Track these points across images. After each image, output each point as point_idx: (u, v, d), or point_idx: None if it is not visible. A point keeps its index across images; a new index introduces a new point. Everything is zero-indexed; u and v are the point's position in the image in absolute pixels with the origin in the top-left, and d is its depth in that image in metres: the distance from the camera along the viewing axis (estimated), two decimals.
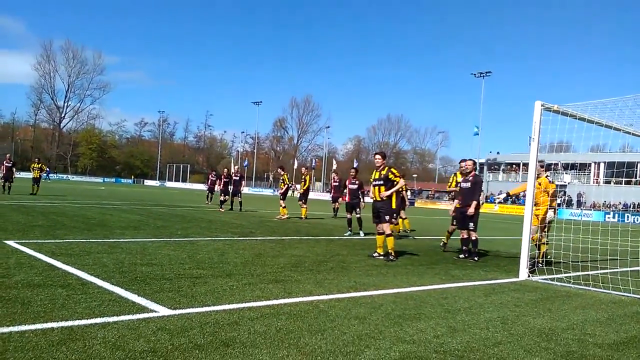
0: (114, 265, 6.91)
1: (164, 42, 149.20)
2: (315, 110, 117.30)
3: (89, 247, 8.53)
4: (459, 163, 11.18)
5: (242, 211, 21.74)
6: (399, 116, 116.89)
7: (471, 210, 10.14)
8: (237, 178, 22.15)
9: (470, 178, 10.55)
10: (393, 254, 9.39)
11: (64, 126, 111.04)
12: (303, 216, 19.96)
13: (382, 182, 9.60)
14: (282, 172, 20.96)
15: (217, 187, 24.81)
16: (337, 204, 22.59)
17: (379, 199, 9.62)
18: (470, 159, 11.00)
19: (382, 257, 9.46)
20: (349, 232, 14.20)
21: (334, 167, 65.16)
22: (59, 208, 17.27)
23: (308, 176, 20.73)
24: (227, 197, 22.22)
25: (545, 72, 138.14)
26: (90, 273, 6.26)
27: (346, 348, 4.03)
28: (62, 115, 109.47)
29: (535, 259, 9.88)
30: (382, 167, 9.69)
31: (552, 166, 64.46)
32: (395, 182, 9.55)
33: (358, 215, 14.34)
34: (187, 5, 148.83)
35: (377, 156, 9.85)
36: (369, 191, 12.44)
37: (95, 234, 10.35)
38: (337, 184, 22.24)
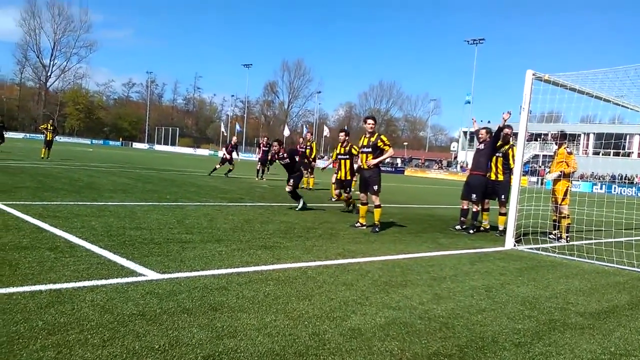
0: (102, 229, 6.89)
1: (153, 1, 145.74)
2: (307, 74, 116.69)
3: (77, 209, 8.49)
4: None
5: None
6: (391, 83, 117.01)
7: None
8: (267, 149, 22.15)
9: (483, 148, 10.04)
10: (379, 225, 9.11)
11: (50, 85, 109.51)
12: (311, 186, 19.18)
13: (370, 149, 9.14)
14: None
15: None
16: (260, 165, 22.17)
17: (365, 167, 9.21)
18: (484, 127, 10.41)
19: (364, 228, 9.28)
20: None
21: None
22: (46, 169, 17.11)
23: (314, 143, 20.20)
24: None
25: (538, 41, 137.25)
26: (79, 236, 6.25)
27: (333, 313, 4.08)
28: (48, 74, 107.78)
29: (556, 233, 9.85)
30: (372, 132, 9.25)
31: (542, 136, 64.78)
32: (384, 150, 9.14)
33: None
34: None
35: (370, 120, 9.31)
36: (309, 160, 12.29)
37: (83, 197, 10.29)
38: (266, 148, 21.66)
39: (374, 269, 5.88)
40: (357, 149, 10.01)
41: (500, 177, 10.14)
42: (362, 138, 9.41)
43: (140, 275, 4.74)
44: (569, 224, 9.79)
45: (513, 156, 9.98)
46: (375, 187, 9.14)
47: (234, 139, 24.06)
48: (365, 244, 7.67)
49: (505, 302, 4.94)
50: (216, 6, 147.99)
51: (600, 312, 4.86)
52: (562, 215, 9.72)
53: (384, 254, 6.90)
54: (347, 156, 11.64)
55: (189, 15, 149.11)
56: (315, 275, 5.32)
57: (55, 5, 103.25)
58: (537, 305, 4.89)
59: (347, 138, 11.56)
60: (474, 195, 9.93)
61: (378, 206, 9.13)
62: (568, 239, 9.62)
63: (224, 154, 22.74)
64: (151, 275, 4.76)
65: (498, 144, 10.06)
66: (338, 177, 11.83)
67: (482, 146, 10.07)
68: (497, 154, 10.15)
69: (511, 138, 10.35)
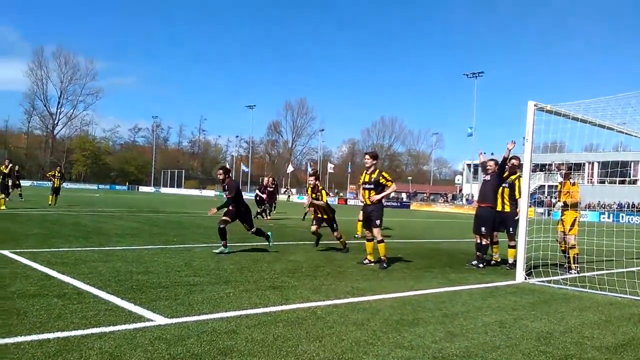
0: (109, 274, 6.87)
1: (157, 47, 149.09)
2: (310, 113, 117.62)
3: (84, 255, 8.49)
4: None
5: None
6: (393, 118, 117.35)
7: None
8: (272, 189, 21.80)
9: (489, 179, 10.09)
10: (386, 260, 9.05)
11: (57, 133, 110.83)
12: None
13: (372, 186, 9.10)
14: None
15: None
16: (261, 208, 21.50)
17: (368, 202, 9.15)
18: (492, 159, 10.40)
19: (372, 264, 9.20)
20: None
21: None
22: (54, 216, 17.18)
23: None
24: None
25: (538, 72, 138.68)
26: (86, 282, 6.23)
27: (344, 355, 4.01)
28: (55, 122, 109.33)
29: (566, 264, 9.72)
30: (372, 168, 9.20)
31: (547, 166, 64.76)
32: (386, 186, 9.13)
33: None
34: (179, 9, 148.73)
35: (367, 157, 9.31)
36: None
37: (91, 242, 10.30)
38: (271, 188, 21.59)
39: (385, 307, 5.81)
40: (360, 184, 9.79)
41: (507, 209, 10.06)
42: (364, 174, 9.35)
43: (149, 320, 4.70)
44: (577, 254, 9.68)
45: (519, 187, 9.94)
46: (378, 222, 9.10)
47: (266, 179, 23.22)
48: (375, 281, 7.60)
49: (520, 338, 4.85)
50: (218, 50, 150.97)
51: (617, 346, 4.76)
52: (570, 245, 9.63)
53: (394, 291, 6.81)
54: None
55: (193, 60, 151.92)
56: (325, 315, 5.26)
57: (61, 55, 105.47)
58: (551, 341, 4.80)
59: (317, 182, 11.38)
60: (483, 228, 9.81)
61: (381, 241, 9.05)
62: (578, 269, 9.49)
63: (259, 195, 22.24)
64: (159, 320, 4.72)
65: (504, 174, 10.06)
66: (320, 217, 11.50)
67: (488, 177, 10.07)
68: (503, 185, 10.12)
69: (518, 169, 10.33)
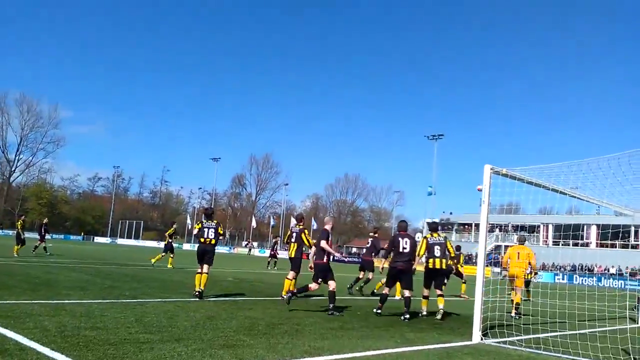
0: (56, 329, 6.57)
1: (122, 96, 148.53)
2: (274, 167, 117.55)
3: (30, 309, 8.10)
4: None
5: None
6: (356, 175, 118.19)
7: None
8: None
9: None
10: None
11: (14, 180, 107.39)
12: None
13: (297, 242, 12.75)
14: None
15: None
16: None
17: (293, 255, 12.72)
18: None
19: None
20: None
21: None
22: (1, 266, 16.43)
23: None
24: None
25: (496, 136, 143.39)
26: (30, 338, 5.93)
27: None
28: (13, 169, 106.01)
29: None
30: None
31: (503, 227, 66.21)
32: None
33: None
34: (143, 60, 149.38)
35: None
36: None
37: (38, 295, 9.86)
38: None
39: None
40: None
41: (438, 265, 11.04)
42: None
43: None
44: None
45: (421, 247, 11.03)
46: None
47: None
48: (333, 339, 7.49)
49: None
50: (184, 101, 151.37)
51: None
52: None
53: (352, 351, 6.72)
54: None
55: (158, 110, 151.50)
56: None
57: (24, 102, 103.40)
58: None
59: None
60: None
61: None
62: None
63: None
64: None
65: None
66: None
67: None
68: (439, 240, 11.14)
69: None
